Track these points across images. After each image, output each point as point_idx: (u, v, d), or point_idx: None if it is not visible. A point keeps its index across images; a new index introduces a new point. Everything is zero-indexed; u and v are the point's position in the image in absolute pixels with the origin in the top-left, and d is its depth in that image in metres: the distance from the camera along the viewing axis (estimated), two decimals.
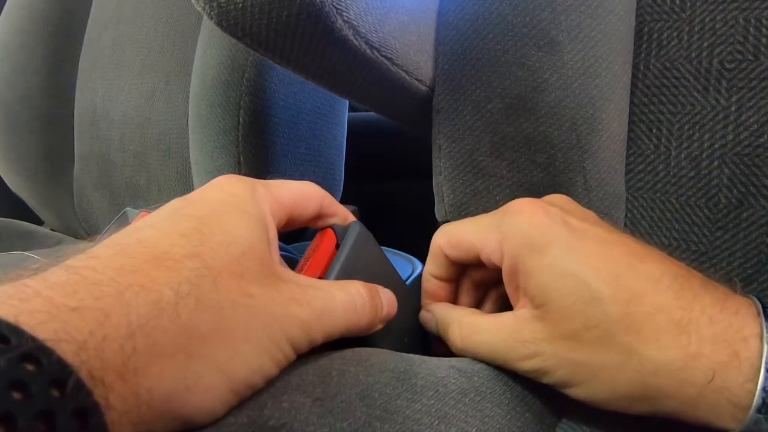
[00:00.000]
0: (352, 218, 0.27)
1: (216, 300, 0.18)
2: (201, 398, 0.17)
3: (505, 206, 0.26)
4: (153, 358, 0.16)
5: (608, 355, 0.21)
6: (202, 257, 0.18)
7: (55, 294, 0.15)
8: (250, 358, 0.18)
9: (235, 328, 0.18)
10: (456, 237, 0.27)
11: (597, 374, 0.21)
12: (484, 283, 0.29)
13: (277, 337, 0.19)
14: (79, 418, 0.13)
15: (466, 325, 0.26)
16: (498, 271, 0.26)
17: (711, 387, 0.19)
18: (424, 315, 0.29)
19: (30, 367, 0.12)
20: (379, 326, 0.24)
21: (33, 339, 0.13)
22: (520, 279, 0.24)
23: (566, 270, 0.22)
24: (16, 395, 0.12)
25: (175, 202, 0.20)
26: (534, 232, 0.23)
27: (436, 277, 0.29)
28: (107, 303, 0.15)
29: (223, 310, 0.18)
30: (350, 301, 0.22)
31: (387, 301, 0.25)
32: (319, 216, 0.26)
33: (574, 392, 0.22)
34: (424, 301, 0.30)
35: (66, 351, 0.14)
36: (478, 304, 0.30)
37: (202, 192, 0.21)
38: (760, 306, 0.20)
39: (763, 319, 0.20)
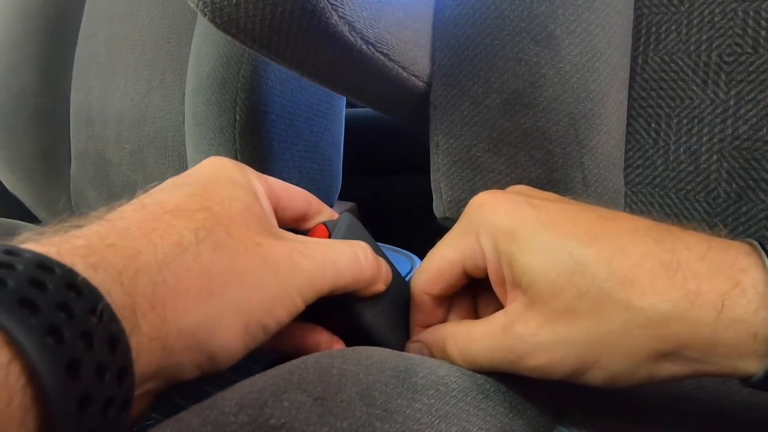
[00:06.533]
0: (336, 216, 0.28)
1: (231, 245, 0.20)
2: (222, 335, 0.19)
3: (467, 207, 0.25)
4: (180, 294, 0.17)
5: (611, 319, 0.20)
6: (212, 210, 0.20)
7: (92, 237, 0.17)
8: (263, 300, 0.20)
9: (248, 272, 0.20)
10: (433, 268, 0.26)
11: (607, 346, 0.20)
12: (473, 289, 0.28)
13: (286, 284, 0.21)
14: (110, 344, 0.15)
15: (460, 335, 0.25)
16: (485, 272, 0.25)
17: (723, 321, 0.18)
18: (412, 346, 0.27)
19: (72, 293, 0.14)
20: (382, 287, 0.25)
21: (72, 271, 0.15)
22: (504, 270, 0.23)
23: (543, 244, 0.22)
24: (62, 315, 0.14)
25: (170, 180, 0.22)
26: (501, 219, 0.23)
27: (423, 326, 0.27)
28: (137, 243, 0.17)
29: (237, 254, 0.20)
30: (352, 252, 0.24)
31: (385, 265, 0.26)
32: (305, 216, 0.27)
33: (592, 376, 0.21)
34: (414, 329, 0.28)
35: (104, 279, 0.16)
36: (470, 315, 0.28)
37: (193, 169, 0.23)
38: (756, 243, 0.20)
39: (762, 252, 0.19)
